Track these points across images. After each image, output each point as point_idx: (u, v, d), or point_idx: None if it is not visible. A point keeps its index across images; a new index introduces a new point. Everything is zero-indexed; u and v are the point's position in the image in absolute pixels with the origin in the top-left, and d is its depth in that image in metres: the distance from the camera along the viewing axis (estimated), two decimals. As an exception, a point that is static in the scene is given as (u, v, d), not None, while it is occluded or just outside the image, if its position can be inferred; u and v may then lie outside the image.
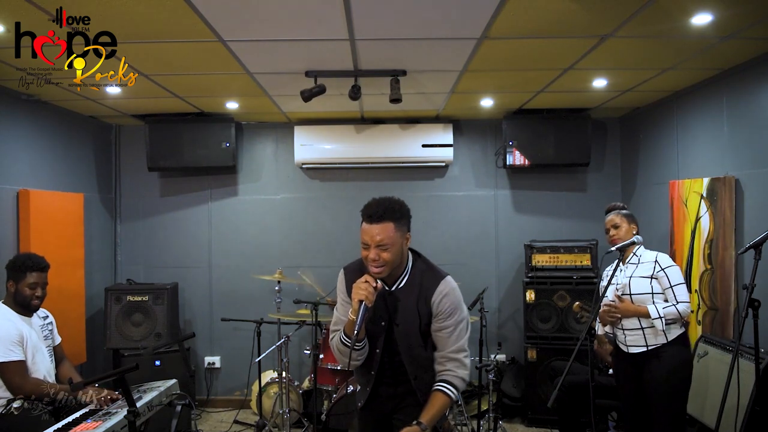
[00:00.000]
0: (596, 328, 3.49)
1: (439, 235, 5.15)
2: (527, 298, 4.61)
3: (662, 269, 3.03)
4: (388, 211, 2.19)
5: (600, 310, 3.21)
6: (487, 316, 4.27)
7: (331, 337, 2.33)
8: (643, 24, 2.72)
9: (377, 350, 2.27)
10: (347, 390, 3.85)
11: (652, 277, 3.04)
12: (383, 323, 2.24)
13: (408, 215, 2.27)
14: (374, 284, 2.12)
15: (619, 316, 3.09)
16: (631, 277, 3.10)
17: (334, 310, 2.38)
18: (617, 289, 3.15)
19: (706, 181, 3.70)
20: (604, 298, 3.18)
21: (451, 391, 2.17)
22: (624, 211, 3.28)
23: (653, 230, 4.37)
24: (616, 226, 3.22)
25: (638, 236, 3.10)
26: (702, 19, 2.66)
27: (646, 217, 4.70)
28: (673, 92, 4.18)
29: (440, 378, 2.20)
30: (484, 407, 4.29)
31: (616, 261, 3.12)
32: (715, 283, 3.58)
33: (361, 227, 2.19)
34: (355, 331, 2.08)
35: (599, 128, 5.13)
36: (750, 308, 2.49)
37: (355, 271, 2.30)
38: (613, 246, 3.13)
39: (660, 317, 2.93)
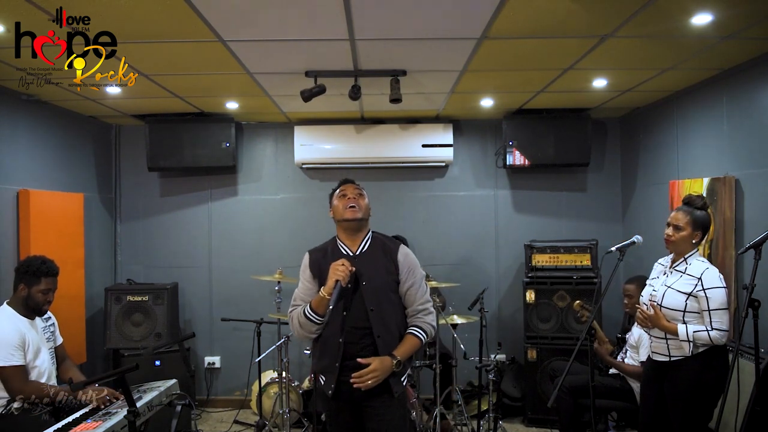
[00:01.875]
0: (635, 326, 3.42)
1: (439, 235, 5.15)
2: (527, 298, 4.61)
3: (704, 289, 2.72)
4: (356, 182, 2.69)
5: (637, 312, 3.02)
6: (487, 316, 4.27)
7: (290, 308, 2.59)
8: (643, 24, 2.72)
9: (344, 312, 2.43)
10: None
11: (690, 294, 2.76)
12: (349, 285, 2.43)
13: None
14: (350, 268, 2.39)
15: (649, 324, 2.88)
16: (669, 287, 2.84)
17: (296, 289, 2.63)
18: (651, 295, 2.93)
19: (706, 181, 3.70)
20: (641, 297, 3.03)
21: (421, 334, 2.51)
22: (698, 213, 2.85)
23: (653, 230, 4.36)
24: (677, 228, 2.86)
25: (638, 236, 3.01)
26: (702, 19, 2.66)
27: (646, 217, 4.70)
28: (673, 92, 4.18)
29: (411, 324, 2.53)
30: (484, 407, 4.29)
31: (616, 260, 3.00)
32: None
33: (336, 191, 2.66)
34: (329, 308, 2.34)
35: (599, 128, 5.13)
36: (750, 308, 2.49)
37: (320, 251, 2.60)
38: (667, 245, 2.89)
39: (689, 341, 2.71)
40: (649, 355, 3.04)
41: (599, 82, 3.86)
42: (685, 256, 2.87)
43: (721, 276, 2.79)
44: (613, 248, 3.00)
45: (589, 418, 3.16)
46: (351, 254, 2.55)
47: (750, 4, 2.52)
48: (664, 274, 2.95)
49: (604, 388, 3.58)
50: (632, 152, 4.94)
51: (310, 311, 2.45)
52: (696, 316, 2.77)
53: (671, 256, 2.97)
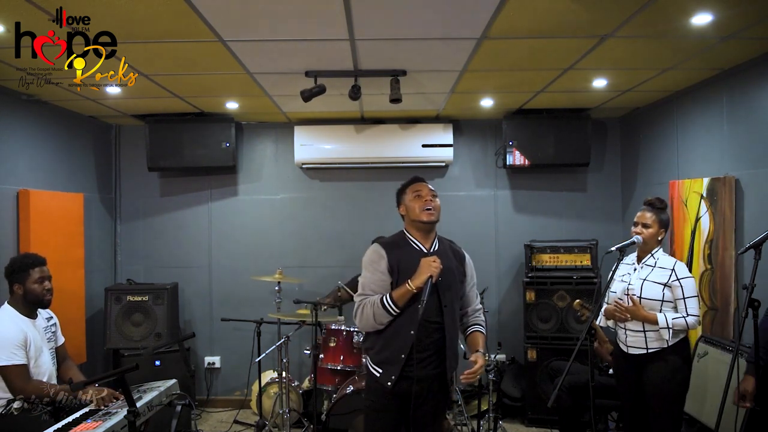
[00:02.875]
0: (599, 320, 3.47)
1: (439, 235, 5.15)
2: (527, 298, 4.61)
3: (678, 279, 2.95)
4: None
5: (605, 306, 3.18)
6: (487, 316, 4.26)
7: (359, 301, 2.53)
8: (643, 24, 2.72)
9: (419, 306, 2.41)
10: (347, 390, 3.85)
11: (665, 285, 2.97)
12: (440, 278, 2.48)
13: None
14: (440, 265, 2.44)
15: (628, 316, 3.03)
16: (644, 279, 3.03)
17: (360, 278, 2.59)
18: (627, 289, 3.08)
19: (706, 181, 3.70)
20: (612, 294, 3.15)
21: (484, 330, 2.71)
22: (663, 215, 3.08)
23: (653, 230, 4.37)
24: (645, 226, 3.07)
25: (638, 237, 3.06)
26: (702, 19, 2.66)
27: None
28: (673, 92, 4.18)
29: (473, 322, 2.70)
30: (484, 407, 4.29)
31: (616, 260, 3.07)
32: (715, 283, 3.58)
33: (408, 189, 2.69)
34: (423, 300, 2.34)
35: (599, 128, 5.13)
36: (750, 308, 2.49)
37: (392, 245, 2.61)
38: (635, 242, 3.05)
39: (668, 327, 2.89)
40: (622, 351, 3.14)
41: (599, 82, 3.86)
42: (652, 252, 3.08)
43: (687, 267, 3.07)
44: (613, 248, 3.02)
45: (589, 418, 3.16)
46: (426, 251, 2.60)
47: (750, 4, 2.52)
48: (634, 270, 3.12)
49: (604, 388, 3.57)
50: (632, 152, 4.94)
51: (389, 302, 2.44)
52: (670, 305, 2.98)
53: (635, 254, 3.16)
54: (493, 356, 4.29)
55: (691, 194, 3.85)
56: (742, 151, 3.45)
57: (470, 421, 4.23)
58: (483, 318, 2.76)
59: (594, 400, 2.97)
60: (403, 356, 2.46)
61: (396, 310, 2.44)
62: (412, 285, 2.41)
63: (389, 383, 2.48)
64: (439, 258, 2.51)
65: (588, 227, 5.10)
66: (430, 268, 2.41)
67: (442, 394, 2.62)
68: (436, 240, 2.66)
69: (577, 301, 3.78)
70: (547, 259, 4.65)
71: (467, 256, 2.75)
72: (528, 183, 5.20)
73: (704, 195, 3.70)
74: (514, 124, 4.84)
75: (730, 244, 3.44)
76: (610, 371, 3.76)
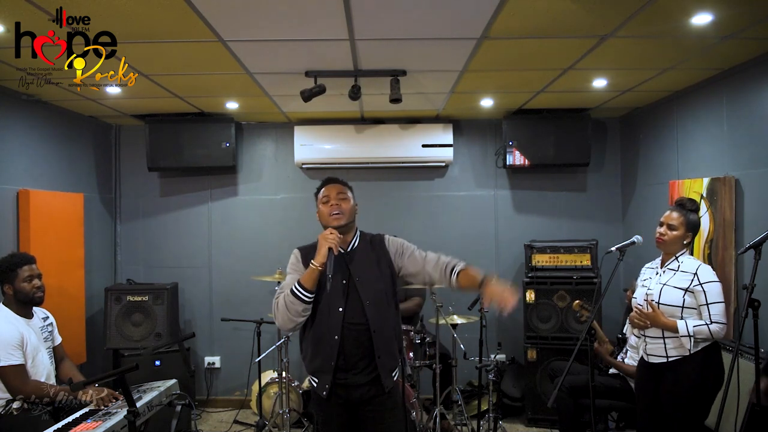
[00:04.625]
0: (625, 332, 3.43)
1: (439, 236, 5.14)
2: (527, 298, 4.61)
3: (700, 284, 2.76)
4: (340, 180, 2.64)
5: (631, 313, 3.05)
6: (487, 316, 4.27)
7: (275, 297, 2.47)
8: (643, 24, 2.72)
9: (340, 309, 2.39)
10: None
11: (687, 290, 2.79)
12: (344, 281, 2.45)
13: (352, 190, 2.66)
14: (339, 236, 2.42)
15: (648, 323, 2.87)
16: (664, 284, 2.86)
17: (281, 284, 2.58)
18: (647, 294, 2.93)
19: (706, 181, 3.70)
20: (633, 300, 3.04)
21: (465, 264, 2.46)
22: (692, 216, 2.90)
23: (653, 231, 4.36)
24: (671, 227, 2.89)
25: (638, 236, 3.03)
26: (702, 19, 2.66)
27: (646, 217, 4.70)
28: (673, 92, 4.18)
29: (449, 267, 2.47)
30: (484, 407, 4.29)
31: (616, 260, 3.00)
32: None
33: (319, 194, 2.60)
34: (329, 276, 2.28)
35: (599, 128, 5.13)
36: (750, 308, 2.50)
37: (310, 248, 2.52)
38: (658, 244, 2.92)
39: (689, 335, 2.72)
40: (642, 358, 3.03)
41: (599, 82, 3.86)
42: (676, 255, 2.91)
43: (714, 272, 2.83)
44: (613, 248, 3.01)
45: (589, 418, 3.16)
46: (342, 251, 2.51)
47: (750, 4, 2.52)
48: (657, 274, 2.98)
49: (604, 388, 3.57)
50: (632, 152, 4.94)
51: (297, 286, 2.36)
52: (693, 312, 2.79)
53: (660, 257, 3.01)
54: (493, 356, 4.30)
55: (691, 194, 3.85)
56: (742, 151, 3.45)
57: (470, 421, 4.23)
58: (453, 259, 2.51)
59: (594, 400, 2.97)
60: (332, 363, 2.39)
61: (305, 293, 2.34)
62: (315, 262, 2.34)
63: (324, 393, 2.42)
64: (355, 256, 2.48)
65: (588, 227, 5.10)
66: (326, 240, 2.35)
67: (389, 402, 2.47)
68: (355, 239, 2.56)
69: (577, 302, 3.78)
70: (547, 259, 4.64)
71: (386, 237, 2.60)
72: (528, 183, 5.20)
73: (704, 195, 3.70)
74: (514, 124, 4.84)
75: (730, 244, 3.44)
76: (611, 371, 3.77)
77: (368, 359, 2.43)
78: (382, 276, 2.51)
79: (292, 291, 2.37)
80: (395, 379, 2.53)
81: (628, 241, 3.02)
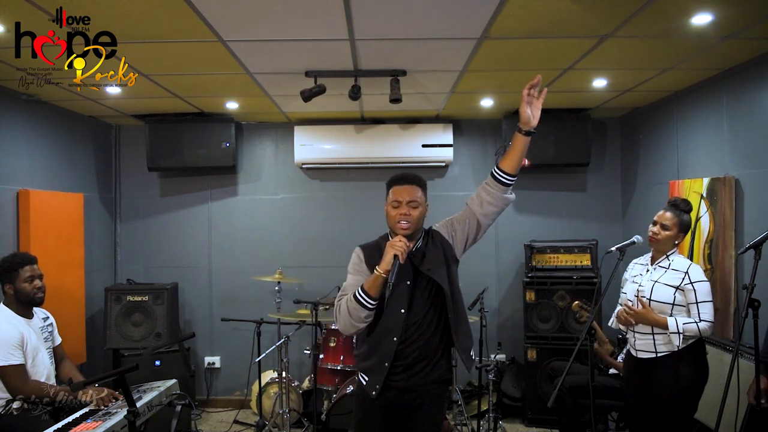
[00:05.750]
0: (611, 323, 3.45)
1: (439, 235, 5.14)
2: (527, 298, 4.61)
3: (691, 282, 2.84)
4: (416, 178, 2.47)
5: (617, 309, 3.11)
6: (487, 316, 4.27)
7: (337, 299, 2.40)
8: (643, 24, 2.72)
9: (402, 310, 2.34)
10: (347, 390, 3.85)
11: (678, 288, 2.86)
12: (408, 282, 2.37)
13: (426, 188, 2.51)
14: (408, 244, 2.29)
15: (633, 321, 2.93)
16: (656, 282, 2.93)
17: (343, 284, 2.46)
18: (638, 291, 3.00)
19: (706, 181, 3.70)
20: (623, 295, 3.08)
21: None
22: (685, 217, 2.96)
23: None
24: (664, 227, 2.95)
25: (638, 236, 3.05)
26: (702, 19, 2.66)
27: (646, 217, 4.68)
28: (673, 92, 4.18)
29: (490, 174, 2.56)
30: (484, 407, 4.29)
31: (616, 260, 3.04)
32: (715, 283, 3.58)
33: (390, 190, 2.44)
34: (390, 283, 2.21)
35: (599, 128, 5.13)
36: (750, 308, 2.49)
37: (374, 248, 2.46)
38: (650, 242, 2.97)
39: (679, 332, 2.78)
40: (629, 352, 3.09)
41: (599, 82, 3.86)
42: (667, 254, 2.98)
43: (703, 271, 2.94)
44: (613, 248, 3.03)
45: (589, 418, 3.16)
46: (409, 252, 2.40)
47: (750, 4, 2.52)
48: (647, 271, 3.03)
49: (604, 388, 3.57)
50: (632, 152, 4.94)
51: (361, 293, 2.27)
52: (682, 309, 2.87)
53: (650, 254, 3.08)
54: (493, 356, 4.30)
55: (691, 194, 3.85)
56: (742, 151, 3.45)
57: (470, 421, 4.23)
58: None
59: (594, 400, 2.97)
60: (386, 364, 2.34)
61: (368, 300, 2.27)
62: (379, 269, 2.24)
63: (374, 393, 2.37)
64: (425, 255, 2.40)
65: (588, 227, 5.10)
66: (393, 247, 2.24)
67: (436, 405, 2.44)
68: (420, 239, 2.47)
69: (576, 302, 3.78)
70: (547, 259, 4.65)
71: (435, 226, 2.52)
72: (528, 183, 5.20)
73: (704, 195, 3.70)
74: (514, 123, 4.80)
75: (730, 244, 3.44)
76: (610, 371, 3.77)
77: (426, 361, 2.38)
78: (450, 271, 2.43)
79: (355, 297, 2.29)
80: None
81: (628, 241, 3.03)
